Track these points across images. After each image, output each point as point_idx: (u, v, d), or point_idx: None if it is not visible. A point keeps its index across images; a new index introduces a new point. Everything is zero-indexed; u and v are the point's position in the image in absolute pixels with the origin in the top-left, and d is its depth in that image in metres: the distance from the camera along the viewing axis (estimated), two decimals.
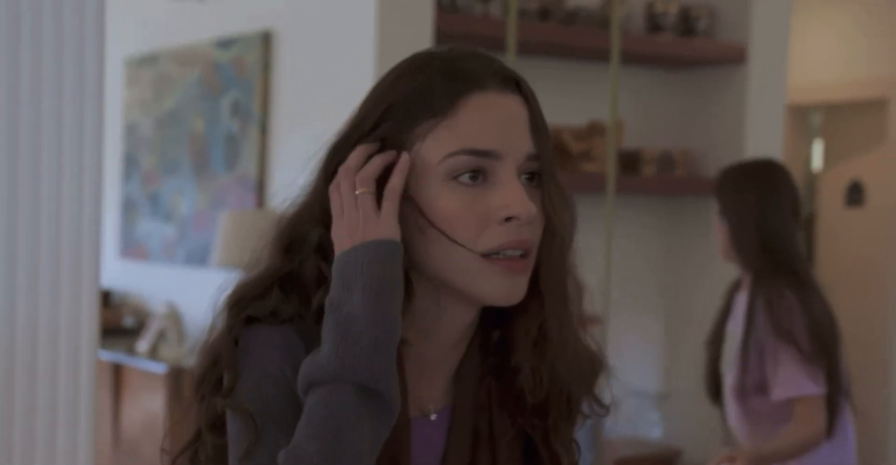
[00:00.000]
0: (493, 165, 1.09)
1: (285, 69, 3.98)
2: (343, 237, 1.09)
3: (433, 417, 1.13)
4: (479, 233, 1.08)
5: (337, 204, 1.11)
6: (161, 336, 4.27)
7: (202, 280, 4.12)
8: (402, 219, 1.10)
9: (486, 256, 1.08)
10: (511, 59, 3.33)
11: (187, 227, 4.49)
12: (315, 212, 1.14)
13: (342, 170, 1.11)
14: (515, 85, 1.13)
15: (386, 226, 1.08)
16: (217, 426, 1.11)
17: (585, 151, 4.05)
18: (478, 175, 1.09)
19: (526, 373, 1.13)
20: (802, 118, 5.83)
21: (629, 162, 4.22)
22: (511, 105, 1.11)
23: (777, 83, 4.44)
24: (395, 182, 1.09)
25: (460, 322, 1.14)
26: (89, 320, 0.55)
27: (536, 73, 4.18)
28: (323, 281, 1.11)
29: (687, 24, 4.32)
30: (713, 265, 3.94)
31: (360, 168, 1.11)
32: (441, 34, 3.59)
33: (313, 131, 3.77)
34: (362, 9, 3.55)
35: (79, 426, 0.54)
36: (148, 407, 4.11)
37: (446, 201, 1.08)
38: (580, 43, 4.00)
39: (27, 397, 0.54)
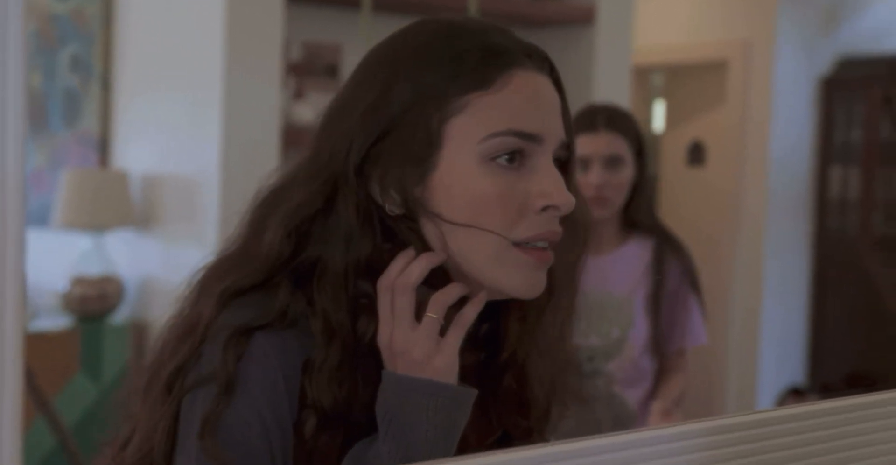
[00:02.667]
0: (533, 148, 1.01)
1: (130, 23, 3.84)
2: (393, 353, 1.00)
3: None
4: (515, 221, 1.01)
5: (387, 313, 1.01)
6: None
7: (43, 242, 3.98)
8: (422, 201, 1.01)
9: (517, 244, 1.01)
10: (366, 18, 3.28)
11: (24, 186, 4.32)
12: (320, 197, 1.03)
13: (401, 284, 1.00)
14: (549, 66, 1.07)
15: (449, 364, 0.99)
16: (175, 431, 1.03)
17: None
18: (515, 157, 1.01)
19: (518, 369, 1.08)
20: (645, 79, 5.95)
21: None
22: (547, 87, 1.05)
23: (623, 45, 4.51)
24: (470, 313, 1.01)
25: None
26: (14, 299, 0.51)
27: (389, 30, 4.17)
28: (356, 274, 1.02)
29: None
30: None
31: (415, 280, 1.00)
32: None
33: (161, 88, 3.66)
34: None
35: (3, 412, 0.50)
36: None
37: (482, 184, 1.00)
38: (435, 1, 3.98)
39: None
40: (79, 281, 3.64)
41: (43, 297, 3.86)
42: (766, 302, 5.29)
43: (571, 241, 1.08)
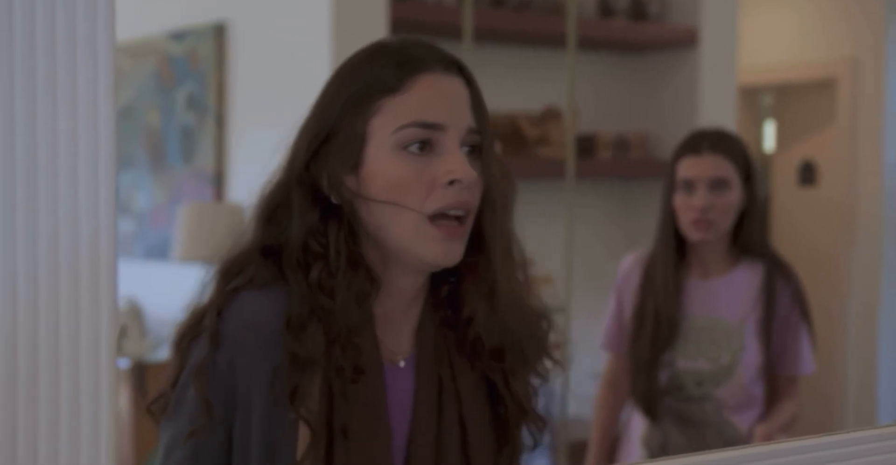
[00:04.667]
0: (439, 136, 1.23)
1: (240, 61, 3.97)
2: None
3: (402, 364, 1.29)
4: (426, 195, 1.22)
5: None
6: (122, 332, 4.26)
7: (163, 275, 4.11)
8: (353, 190, 1.24)
9: (431, 219, 1.22)
10: (467, 47, 3.34)
11: (145, 221, 4.47)
12: (283, 192, 1.27)
13: None
14: (457, 68, 1.28)
15: None
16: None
17: (541, 137, 4.08)
18: (425, 146, 1.23)
19: (478, 322, 1.29)
20: (754, 99, 5.89)
21: (585, 146, 4.25)
22: (454, 84, 1.26)
23: (728, 65, 4.49)
24: None
25: (412, 284, 1.29)
26: (108, 324, 0.56)
27: (491, 61, 4.22)
28: (309, 250, 1.24)
29: (638, 9, 4.35)
30: None
31: None
32: (396, 23, 3.60)
33: (271, 123, 3.77)
34: (317, 0, 3.56)
35: (100, 429, 0.55)
36: None
37: (397, 169, 1.22)
38: (533, 29, 4.02)
39: (49, 400, 0.56)
40: None
41: (164, 329, 3.99)
42: (884, 321, 5.17)
43: (493, 209, 1.28)
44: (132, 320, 4.23)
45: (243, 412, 1.22)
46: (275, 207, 1.28)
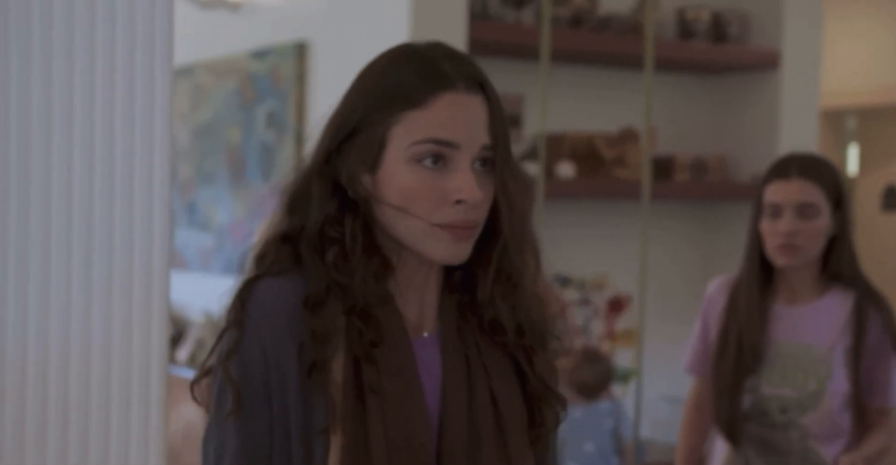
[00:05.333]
0: (452, 153, 1.29)
1: (320, 80, 4.01)
2: None
3: (426, 335, 1.35)
4: (435, 209, 1.29)
5: None
6: (200, 345, 4.31)
7: None
8: (368, 189, 1.31)
9: (438, 225, 1.29)
10: (544, 68, 3.35)
11: (224, 236, 4.54)
12: (306, 183, 1.33)
13: None
14: (480, 86, 1.32)
15: None
16: None
17: (618, 158, 4.07)
18: (438, 160, 1.29)
19: (496, 305, 1.36)
20: (837, 123, 5.81)
21: (662, 168, 4.23)
22: (474, 104, 1.31)
23: (810, 88, 4.44)
24: None
25: (426, 270, 1.36)
26: (159, 336, 0.57)
27: (568, 81, 4.23)
28: (326, 235, 1.31)
29: (719, 31, 4.33)
30: None
31: None
32: (474, 43, 3.62)
33: None
34: (396, 19, 3.59)
35: (150, 441, 0.56)
36: (187, 416, 4.15)
37: (409, 180, 1.29)
38: (612, 50, 4.02)
39: (101, 409, 0.56)
40: None
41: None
42: None
43: (509, 213, 1.34)
44: (209, 333, 4.29)
45: (279, 394, 1.28)
46: (296, 196, 1.34)
